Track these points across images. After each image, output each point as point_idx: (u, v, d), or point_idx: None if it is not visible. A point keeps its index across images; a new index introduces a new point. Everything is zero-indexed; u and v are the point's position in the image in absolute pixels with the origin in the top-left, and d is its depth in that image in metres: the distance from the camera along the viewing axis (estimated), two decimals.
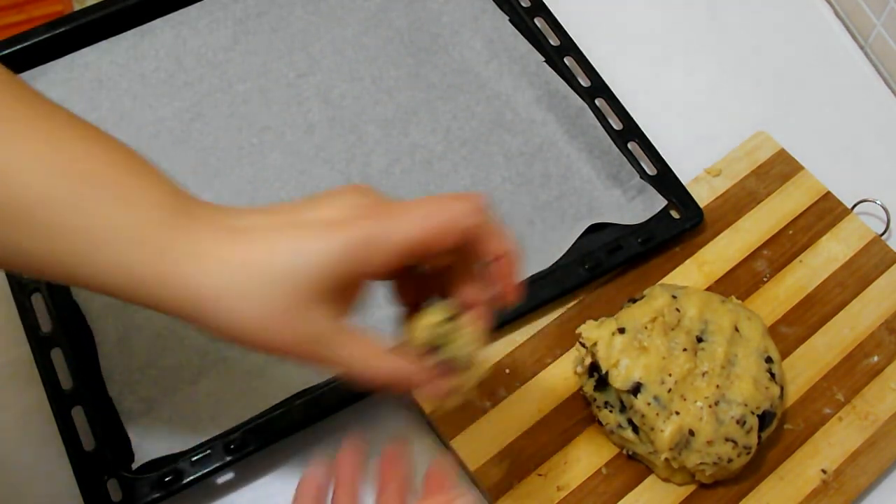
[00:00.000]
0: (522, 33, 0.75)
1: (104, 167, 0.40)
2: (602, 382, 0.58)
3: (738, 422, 0.56)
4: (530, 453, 0.59)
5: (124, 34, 0.74)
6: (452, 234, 0.41)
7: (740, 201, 0.69)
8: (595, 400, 0.59)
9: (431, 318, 0.44)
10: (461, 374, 0.45)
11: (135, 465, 0.57)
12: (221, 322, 0.39)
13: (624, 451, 0.59)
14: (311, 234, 0.39)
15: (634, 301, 0.60)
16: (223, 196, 0.67)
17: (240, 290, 0.38)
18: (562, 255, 0.65)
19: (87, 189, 0.38)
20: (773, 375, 0.58)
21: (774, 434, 0.59)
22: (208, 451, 0.57)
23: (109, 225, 0.38)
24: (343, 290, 0.40)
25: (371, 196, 0.42)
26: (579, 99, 0.71)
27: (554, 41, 0.74)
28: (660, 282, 0.65)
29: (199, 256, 0.39)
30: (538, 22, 0.75)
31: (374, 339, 0.42)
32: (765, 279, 0.66)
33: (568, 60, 0.73)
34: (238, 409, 0.59)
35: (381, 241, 0.39)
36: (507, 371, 0.61)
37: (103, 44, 0.73)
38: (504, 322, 0.62)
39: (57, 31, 0.72)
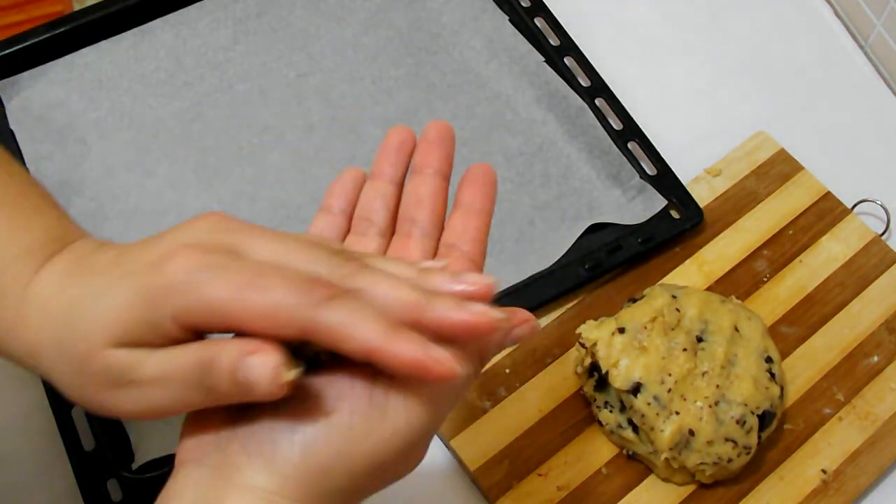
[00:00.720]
0: (522, 33, 0.75)
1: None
2: (602, 382, 0.58)
3: (738, 422, 0.56)
4: (530, 453, 0.59)
5: (124, 34, 0.74)
6: (276, 325, 0.32)
7: (740, 201, 0.69)
8: (595, 400, 0.59)
9: None
10: None
11: (135, 465, 0.57)
12: (46, 377, 0.37)
13: (624, 451, 0.59)
14: (119, 280, 0.34)
15: (634, 301, 0.60)
16: (223, 196, 0.67)
17: (57, 345, 0.35)
18: (562, 255, 0.65)
19: None
20: (773, 375, 0.58)
21: (774, 434, 0.59)
22: None
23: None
24: (162, 333, 0.34)
25: (214, 234, 0.35)
26: (579, 99, 0.71)
27: (554, 41, 0.74)
28: (660, 282, 0.65)
29: (43, 302, 0.36)
30: (538, 22, 0.75)
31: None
32: (765, 279, 0.66)
33: (568, 60, 0.73)
34: None
35: (187, 299, 0.32)
36: (507, 371, 0.61)
37: (103, 44, 0.73)
38: None
39: (57, 31, 0.72)
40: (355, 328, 0.32)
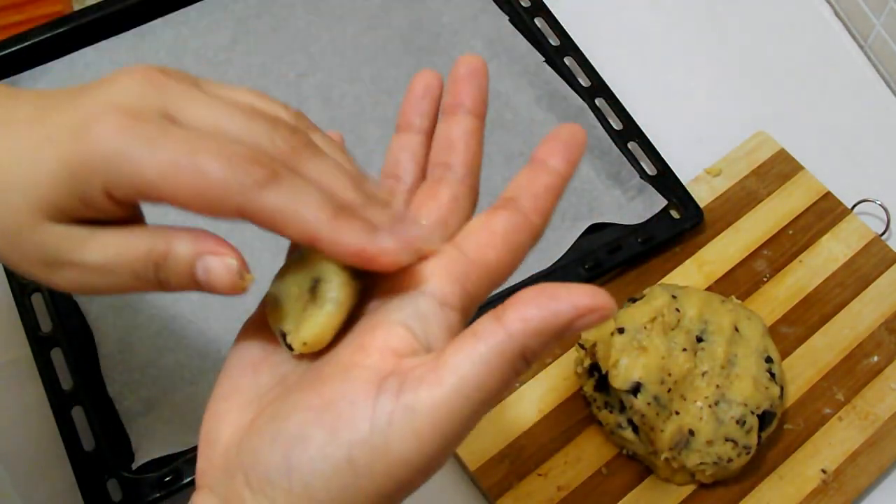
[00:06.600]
0: (522, 33, 0.75)
1: None
2: (602, 382, 0.58)
3: (738, 422, 0.56)
4: (530, 453, 0.59)
5: (124, 34, 0.74)
6: (212, 205, 0.31)
7: (740, 201, 0.69)
8: (595, 400, 0.59)
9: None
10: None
11: (135, 465, 0.57)
12: None
13: (624, 451, 0.59)
14: (42, 145, 0.31)
15: (634, 301, 0.60)
16: None
17: None
18: (562, 255, 0.65)
19: None
20: (773, 375, 0.58)
21: (774, 434, 0.59)
22: None
23: None
24: (96, 207, 0.32)
25: (146, 93, 0.32)
26: (579, 99, 0.71)
27: (554, 41, 0.74)
28: (660, 282, 0.65)
29: None
30: (538, 22, 0.75)
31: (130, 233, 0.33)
32: (765, 279, 0.66)
33: (568, 60, 0.73)
34: None
35: (115, 172, 0.30)
36: None
37: (103, 44, 0.73)
38: None
39: (57, 31, 0.72)
40: (297, 214, 0.31)
